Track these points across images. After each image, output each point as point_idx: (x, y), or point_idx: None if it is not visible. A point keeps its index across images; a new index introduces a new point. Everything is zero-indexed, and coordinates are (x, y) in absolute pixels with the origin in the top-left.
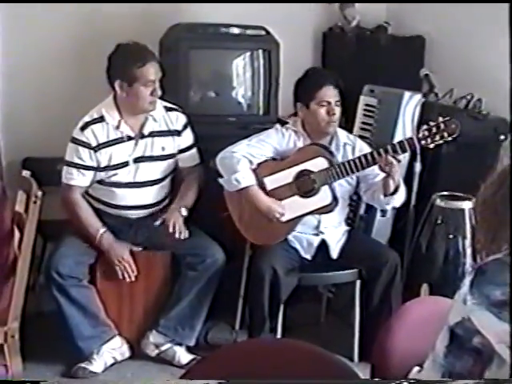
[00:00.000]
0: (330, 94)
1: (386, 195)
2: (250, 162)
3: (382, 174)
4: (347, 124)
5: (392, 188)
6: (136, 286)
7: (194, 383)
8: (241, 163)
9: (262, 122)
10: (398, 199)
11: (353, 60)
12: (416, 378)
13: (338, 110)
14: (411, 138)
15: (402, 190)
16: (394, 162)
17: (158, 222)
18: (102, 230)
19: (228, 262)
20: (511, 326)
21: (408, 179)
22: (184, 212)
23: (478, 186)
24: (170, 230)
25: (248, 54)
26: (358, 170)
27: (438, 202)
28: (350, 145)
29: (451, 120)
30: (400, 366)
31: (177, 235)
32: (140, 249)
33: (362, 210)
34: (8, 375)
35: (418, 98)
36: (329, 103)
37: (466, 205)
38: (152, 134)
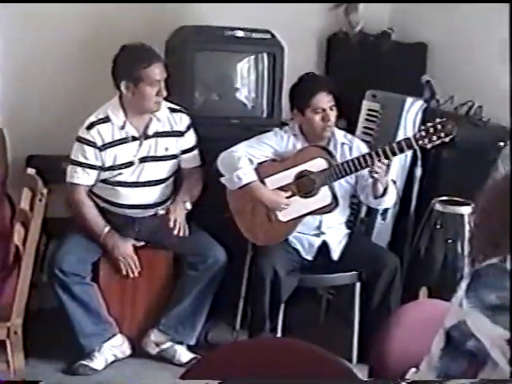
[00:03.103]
0: (324, 100)
1: (376, 197)
2: (250, 161)
3: None
4: (349, 127)
5: (381, 190)
6: (138, 285)
7: (193, 383)
8: (241, 161)
9: (265, 125)
10: (388, 200)
11: (356, 65)
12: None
13: (333, 115)
14: (408, 139)
15: (391, 191)
16: (382, 167)
17: (161, 212)
18: (107, 228)
19: (229, 262)
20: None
21: (408, 184)
22: (188, 206)
23: (477, 191)
24: (171, 225)
25: (253, 57)
26: (357, 170)
27: (438, 206)
28: (347, 144)
29: (448, 120)
30: (397, 367)
31: (175, 232)
32: (142, 243)
33: (362, 214)
34: (9, 372)
35: (419, 103)
36: (323, 110)
37: (465, 210)
38: (156, 135)
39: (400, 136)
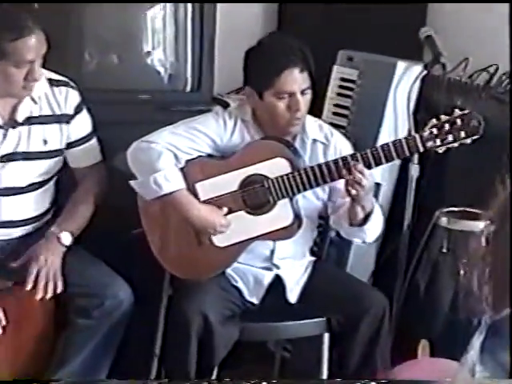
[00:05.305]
0: (295, 80)
1: (352, 224)
2: (176, 157)
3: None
4: (313, 106)
5: (360, 216)
6: (2, 340)
7: None
8: (163, 158)
9: (189, 102)
10: (370, 233)
11: (322, 15)
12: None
13: (304, 102)
14: (413, 138)
15: (377, 220)
16: (364, 181)
17: (17, 263)
18: None
19: (137, 304)
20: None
21: (400, 187)
22: (67, 239)
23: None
24: (31, 280)
25: (169, 4)
26: (332, 180)
27: (444, 221)
28: (322, 142)
29: (472, 114)
30: None
31: (39, 296)
32: (10, 285)
33: (333, 232)
34: None
35: (417, 70)
36: (291, 94)
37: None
38: (29, 121)
39: (387, 118)
